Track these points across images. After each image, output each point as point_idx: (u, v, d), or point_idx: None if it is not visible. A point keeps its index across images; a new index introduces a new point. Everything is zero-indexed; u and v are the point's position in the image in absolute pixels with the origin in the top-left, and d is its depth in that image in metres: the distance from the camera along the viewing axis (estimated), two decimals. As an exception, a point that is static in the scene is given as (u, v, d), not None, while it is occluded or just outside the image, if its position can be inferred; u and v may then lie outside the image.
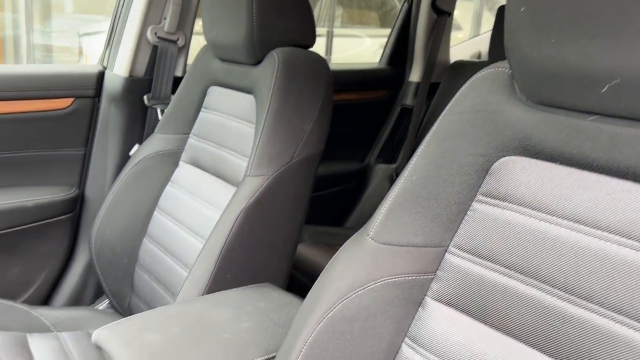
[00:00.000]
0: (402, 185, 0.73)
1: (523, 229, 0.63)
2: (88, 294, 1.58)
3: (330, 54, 5.36)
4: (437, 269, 0.71)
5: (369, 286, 0.72)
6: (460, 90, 0.71)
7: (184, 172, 1.37)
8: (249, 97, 1.24)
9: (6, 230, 1.42)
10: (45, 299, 1.54)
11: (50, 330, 1.26)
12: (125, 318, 0.87)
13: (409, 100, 2.23)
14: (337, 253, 0.77)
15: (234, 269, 1.05)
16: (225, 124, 1.29)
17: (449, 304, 0.70)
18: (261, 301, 0.95)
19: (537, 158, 0.63)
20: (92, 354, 1.16)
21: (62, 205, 1.51)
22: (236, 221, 1.04)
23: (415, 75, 2.22)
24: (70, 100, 1.50)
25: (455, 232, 0.70)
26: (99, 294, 1.57)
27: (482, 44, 2.51)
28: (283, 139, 1.12)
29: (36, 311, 1.31)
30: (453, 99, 0.71)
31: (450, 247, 0.71)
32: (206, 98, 1.38)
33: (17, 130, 1.45)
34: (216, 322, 0.87)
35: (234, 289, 1.00)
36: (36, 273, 1.51)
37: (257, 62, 1.22)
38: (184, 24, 1.56)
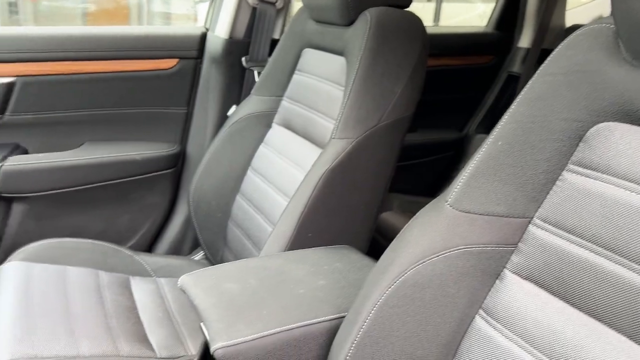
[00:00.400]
0: (486, 150, 0.69)
1: (617, 203, 0.57)
2: (186, 245, 1.69)
3: (438, 21, 5.15)
4: (519, 241, 0.67)
5: (443, 254, 0.69)
6: (556, 49, 0.64)
7: (276, 133, 1.40)
8: (341, 60, 1.22)
9: (117, 181, 1.55)
10: (148, 247, 1.67)
11: (150, 275, 1.36)
12: (209, 267, 0.92)
13: (516, 67, 2.09)
14: (413, 218, 0.76)
15: (315, 229, 1.07)
16: (316, 86, 1.29)
17: (529, 278, 0.66)
18: (339, 262, 0.96)
19: (639, 125, 0.57)
20: (185, 300, 1.25)
21: (166, 160, 1.61)
22: (318, 182, 1.05)
23: (525, 40, 2.07)
24: (175, 61, 1.57)
25: (541, 202, 0.65)
26: (196, 245, 1.67)
27: (604, 8, 2.27)
28: (371, 101, 1.10)
29: (139, 257, 1.42)
30: (548, 59, 0.65)
31: (534, 218, 0.66)
32: (300, 60, 1.39)
33: (128, 88, 1.56)
34: (293, 278, 0.89)
35: (314, 248, 1.01)
36: (141, 222, 1.63)
37: (350, 23, 1.20)
38: (282, -14, 1.56)
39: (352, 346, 0.72)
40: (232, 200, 1.44)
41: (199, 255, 1.62)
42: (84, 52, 1.48)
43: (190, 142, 1.68)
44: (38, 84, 1.45)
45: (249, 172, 1.43)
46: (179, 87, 1.61)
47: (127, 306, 1.23)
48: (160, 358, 1.08)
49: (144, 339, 1.13)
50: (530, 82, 0.67)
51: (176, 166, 1.65)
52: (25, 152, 1.50)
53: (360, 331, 0.72)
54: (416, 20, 1.18)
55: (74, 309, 1.14)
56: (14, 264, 1.25)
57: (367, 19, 1.14)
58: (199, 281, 0.86)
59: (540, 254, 0.64)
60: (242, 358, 0.74)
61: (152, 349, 1.10)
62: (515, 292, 0.66)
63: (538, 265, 0.64)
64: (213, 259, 1.49)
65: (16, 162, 1.45)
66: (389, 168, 1.14)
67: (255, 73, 1.57)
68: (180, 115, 1.65)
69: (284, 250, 1.05)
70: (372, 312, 0.71)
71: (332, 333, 0.79)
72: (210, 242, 1.48)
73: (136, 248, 1.59)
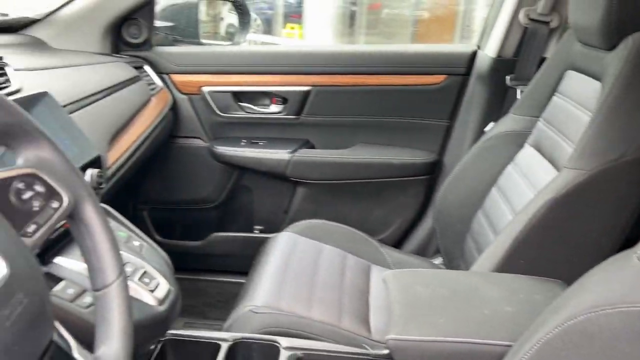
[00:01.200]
0: (688, 205, 0.61)
1: None
2: (431, 249, 1.80)
3: None
4: None
5: (620, 308, 0.65)
6: None
7: (526, 154, 1.39)
8: (597, 85, 1.15)
9: (375, 180, 1.76)
10: (396, 243, 1.84)
11: (390, 267, 1.52)
12: (412, 269, 1.02)
13: None
14: (599, 264, 0.72)
15: (529, 256, 1.05)
16: (570, 110, 1.23)
17: None
18: (539, 294, 0.94)
19: None
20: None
21: (421, 167, 1.75)
22: (538, 211, 1.03)
23: None
24: (442, 77, 1.69)
25: None
26: (438, 250, 1.77)
27: None
28: (616, 132, 1.01)
29: (384, 249, 1.59)
30: None
31: None
32: (561, 82, 1.34)
33: (398, 100, 1.74)
34: (482, 297, 0.92)
35: (520, 275, 1.01)
36: (392, 220, 1.81)
37: (613, 47, 1.11)
38: (560, 4, 1.51)
39: (509, 375, 0.73)
40: (474, 214, 1.49)
41: (438, 260, 1.71)
42: (364, 67, 1.72)
43: (447, 153, 1.77)
44: (327, 93, 1.76)
45: (493, 190, 1.45)
46: (444, 101, 1.72)
47: (361, 289, 1.41)
48: (372, 340, 1.23)
49: (364, 320, 1.29)
50: None
51: (432, 174, 1.77)
52: (312, 147, 1.85)
53: (519, 363, 0.72)
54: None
55: (318, 280, 1.38)
56: (287, 234, 1.57)
57: (629, 44, 1.05)
58: (396, 279, 0.97)
59: None
60: (409, 354, 0.83)
61: (369, 331, 1.26)
62: (698, 371, 0.58)
63: None
64: (449, 266, 1.56)
65: (304, 154, 1.80)
66: (628, 211, 1.03)
67: (518, 91, 1.57)
68: (442, 127, 1.75)
69: (492, 271, 1.07)
70: (534, 348, 0.71)
71: (498, 359, 0.80)
72: (448, 250, 1.56)
73: (384, 242, 1.77)
